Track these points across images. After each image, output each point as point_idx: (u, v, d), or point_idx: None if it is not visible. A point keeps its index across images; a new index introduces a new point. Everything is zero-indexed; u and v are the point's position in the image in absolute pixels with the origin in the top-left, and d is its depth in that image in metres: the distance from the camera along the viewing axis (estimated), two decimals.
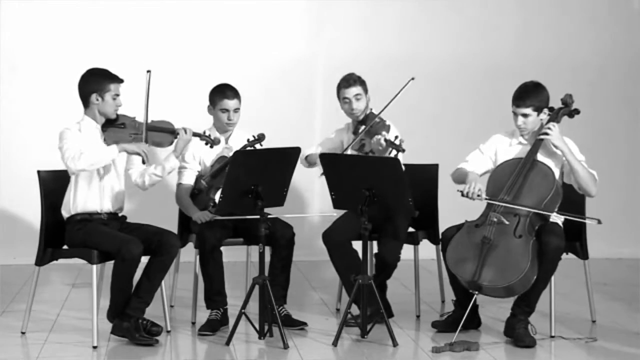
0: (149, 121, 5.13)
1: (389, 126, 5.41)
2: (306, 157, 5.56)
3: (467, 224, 5.05)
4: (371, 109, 5.55)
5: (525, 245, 4.85)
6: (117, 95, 5.05)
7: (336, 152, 5.52)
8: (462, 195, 4.98)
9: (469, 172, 5.11)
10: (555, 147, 5.00)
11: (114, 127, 5.09)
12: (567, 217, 5.00)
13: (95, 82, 5.03)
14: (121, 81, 5.06)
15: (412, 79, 5.42)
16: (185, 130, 5.16)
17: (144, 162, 5.09)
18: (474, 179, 5.03)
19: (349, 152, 5.51)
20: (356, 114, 5.53)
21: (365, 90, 5.54)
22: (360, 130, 5.46)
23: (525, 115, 5.05)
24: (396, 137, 5.17)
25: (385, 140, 5.17)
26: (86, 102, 5.07)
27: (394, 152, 5.15)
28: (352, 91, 5.50)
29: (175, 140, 5.17)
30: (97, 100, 5.03)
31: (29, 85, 7.18)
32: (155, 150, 5.31)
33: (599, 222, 4.88)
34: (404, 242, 5.42)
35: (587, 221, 5.00)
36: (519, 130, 5.12)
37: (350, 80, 5.52)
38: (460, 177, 5.15)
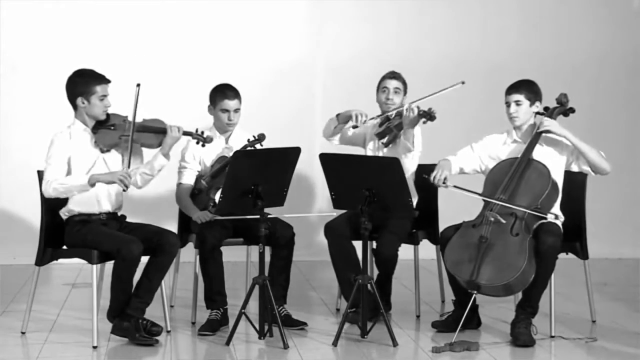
0: (141, 120, 5.07)
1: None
2: (337, 115, 5.58)
3: (465, 224, 5.06)
4: None
5: (522, 244, 4.86)
6: (105, 96, 4.98)
7: (358, 138, 5.66)
8: (429, 181, 5.10)
9: (440, 160, 5.21)
10: (559, 135, 5.03)
11: (104, 128, 5.03)
12: (530, 213, 5.00)
13: (81, 84, 4.97)
14: (108, 81, 4.99)
15: (463, 82, 5.51)
16: (173, 128, 5.09)
17: (124, 191, 4.97)
18: (442, 166, 5.15)
19: (370, 143, 5.58)
20: (389, 106, 5.57)
21: (405, 91, 5.63)
22: (390, 114, 5.52)
23: (517, 103, 5.10)
24: (429, 108, 5.28)
25: (418, 107, 5.28)
26: (74, 106, 5.03)
27: (423, 119, 5.29)
28: (394, 83, 5.59)
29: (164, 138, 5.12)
30: (84, 103, 4.97)
31: (29, 86, 7.18)
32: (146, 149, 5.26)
33: (556, 217, 4.97)
34: (403, 239, 5.43)
35: (547, 216, 4.99)
36: (510, 120, 5.15)
37: (395, 73, 5.64)
38: None
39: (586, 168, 5.08)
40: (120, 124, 5.05)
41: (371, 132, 5.62)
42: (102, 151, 5.04)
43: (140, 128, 5.05)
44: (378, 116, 5.56)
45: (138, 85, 4.94)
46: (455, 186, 5.05)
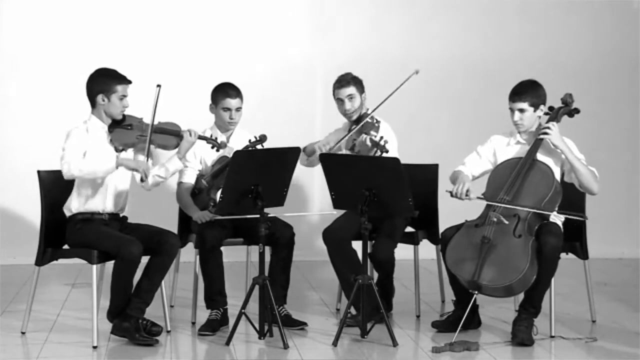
0: (156, 123, 5.12)
1: (378, 127, 5.41)
2: (304, 149, 5.54)
3: (467, 224, 5.06)
4: (367, 109, 5.54)
5: (525, 245, 4.85)
6: (124, 96, 5.03)
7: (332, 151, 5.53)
8: (451, 195, 5.04)
9: (460, 173, 5.16)
10: (555, 146, 5.00)
11: (121, 127, 5.08)
12: (560, 214, 5.01)
13: (102, 82, 5.02)
14: (129, 82, 5.05)
15: (416, 72, 5.42)
16: (190, 132, 5.16)
17: (142, 180, 5.06)
18: (462, 179, 5.08)
19: (342, 151, 5.51)
20: (349, 114, 5.53)
21: (360, 91, 5.54)
22: (351, 128, 5.47)
23: (521, 111, 5.07)
24: (381, 138, 5.19)
25: (371, 140, 5.20)
26: (93, 102, 5.06)
27: (379, 152, 5.19)
28: (345, 92, 5.51)
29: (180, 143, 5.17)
30: (104, 101, 5.02)
31: (29, 85, 7.18)
32: (159, 150, 5.29)
33: (585, 218, 4.93)
34: (398, 241, 5.43)
35: (574, 217, 4.99)
36: (515, 127, 5.14)
37: (343, 81, 5.53)
38: (455, 179, 5.18)
39: (576, 183, 5.06)
40: (137, 125, 5.10)
41: (342, 145, 5.58)
42: (118, 150, 5.06)
43: (156, 130, 5.10)
44: (339, 141, 5.49)
45: (159, 86, 5.01)
46: (478, 197, 5.02)
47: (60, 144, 5.00)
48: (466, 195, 5.00)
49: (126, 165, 5.00)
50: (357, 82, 5.54)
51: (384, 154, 5.18)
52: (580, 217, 4.98)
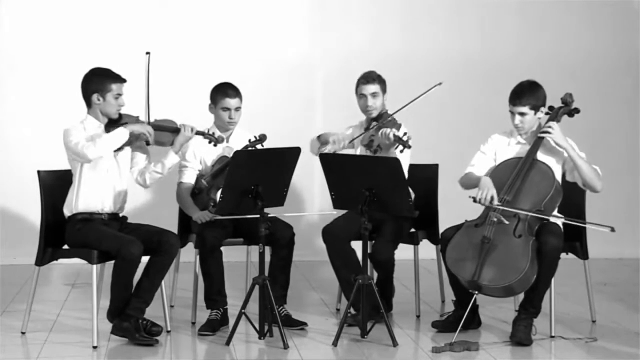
0: (152, 120, 5.13)
1: (399, 125, 5.41)
2: (319, 137, 5.54)
3: (467, 224, 5.05)
4: (386, 110, 5.53)
5: (525, 245, 4.85)
6: (120, 95, 5.04)
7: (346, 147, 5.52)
8: (474, 201, 4.97)
9: (482, 177, 5.07)
10: (558, 145, 5.00)
11: (118, 127, 5.08)
12: (581, 224, 4.99)
13: (97, 82, 5.03)
14: (123, 81, 5.06)
15: (440, 84, 5.39)
16: (186, 127, 5.17)
17: (148, 143, 5.09)
18: (486, 184, 5.00)
19: (358, 148, 5.51)
20: (370, 112, 5.51)
21: (384, 90, 5.53)
22: (371, 126, 5.47)
23: (522, 114, 5.07)
24: (404, 134, 5.18)
25: (394, 135, 5.18)
26: (88, 102, 5.07)
27: (400, 147, 5.16)
28: (370, 88, 5.48)
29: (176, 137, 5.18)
30: (99, 100, 5.03)
31: (29, 85, 7.18)
32: (156, 147, 5.30)
33: (612, 229, 4.79)
34: (398, 241, 5.42)
35: (600, 229, 4.95)
36: (516, 129, 5.14)
37: (369, 77, 5.51)
38: (470, 182, 5.14)
39: (579, 181, 5.05)
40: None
41: (357, 141, 5.58)
42: (115, 149, 5.06)
43: (154, 126, 5.12)
44: (356, 137, 5.50)
45: (147, 53, 5.07)
46: (498, 204, 4.92)
47: (62, 143, 5.00)
48: (490, 202, 4.95)
49: (135, 130, 5.01)
50: (382, 81, 5.52)
51: (406, 150, 5.16)
52: (610, 229, 4.86)
